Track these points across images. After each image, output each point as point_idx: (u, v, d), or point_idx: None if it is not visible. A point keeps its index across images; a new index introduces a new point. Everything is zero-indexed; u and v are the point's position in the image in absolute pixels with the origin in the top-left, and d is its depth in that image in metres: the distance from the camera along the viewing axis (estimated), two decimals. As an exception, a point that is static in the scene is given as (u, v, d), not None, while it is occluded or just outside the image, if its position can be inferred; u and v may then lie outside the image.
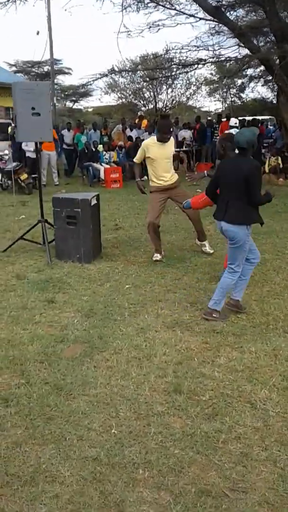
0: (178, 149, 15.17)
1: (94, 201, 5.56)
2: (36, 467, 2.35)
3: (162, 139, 5.31)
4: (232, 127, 10.51)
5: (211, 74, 26.73)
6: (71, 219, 5.41)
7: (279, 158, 12.26)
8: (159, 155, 5.39)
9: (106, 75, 16.20)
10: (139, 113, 17.65)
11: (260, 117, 19.52)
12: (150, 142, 5.46)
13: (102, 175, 12.43)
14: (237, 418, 2.68)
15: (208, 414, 2.72)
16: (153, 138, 5.49)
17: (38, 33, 20.37)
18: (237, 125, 11.07)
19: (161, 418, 2.71)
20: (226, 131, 9.32)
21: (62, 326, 3.86)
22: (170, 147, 5.40)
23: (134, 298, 4.44)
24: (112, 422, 2.68)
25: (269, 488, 2.20)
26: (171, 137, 5.43)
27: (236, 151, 3.90)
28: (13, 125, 6.24)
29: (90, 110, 33.14)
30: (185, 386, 2.98)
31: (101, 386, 3.01)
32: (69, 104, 32.17)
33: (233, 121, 11.46)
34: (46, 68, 26.61)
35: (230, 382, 3.03)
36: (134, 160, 5.76)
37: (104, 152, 13.10)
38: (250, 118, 16.65)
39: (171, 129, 5.34)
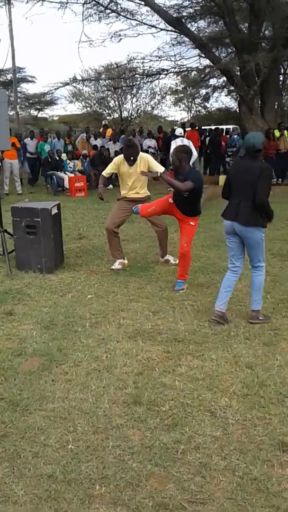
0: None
1: (55, 210, 5.48)
2: (-12, 488, 2.25)
3: (129, 163, 5.37)
4: (177, 136, 10.94)
5: (176, 84, 27.06)
6: (31, 228, 5.30)
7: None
8: (127, 174, 5.46)
9: (68, 84, 16.18)
10: (103, 122, 17.62)
11: (225, 126, 19.89)
12: (121, 160, 5.47)
13: (66, 184, 12.33)
14: (196, 428, 2.65)
15: (168, 425, 2.68)
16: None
17: (-1, 40, 20.14)
18: (182, 134, 11.50)
19: (120, 431, 2.65)
20: (173, 141, 9.58)
21: (20, 339, 3.75)
22: (141, 166, 5.37)
23: (96, 308, 4.38)
24: (69, 437, 2.60)
25: (227, 498, 2.18)
26: (147, 157, 5.46)
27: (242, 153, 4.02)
28: None
29: (55, 118, 32.90)
30: (145, 397, 2.93)
31: (58, 400, 2.92)
32: (34, 112, 31.86)
33: (178, 131, 12.00)
34: (9, 76, 26.29)
35: (191, 391, 3.00)
36: (103, 173, 5.73)
37: (68, 161, 13.01)
38: (213, 127, 16.95)
39: (136, 155, 5.33)
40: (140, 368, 3.29)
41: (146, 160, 5.39)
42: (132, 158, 5.33)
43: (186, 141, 8.55)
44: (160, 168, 5.29)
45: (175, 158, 4.74)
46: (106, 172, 5.67)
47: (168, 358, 3.43)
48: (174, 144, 9.25)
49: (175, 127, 17.64)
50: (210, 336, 3.75)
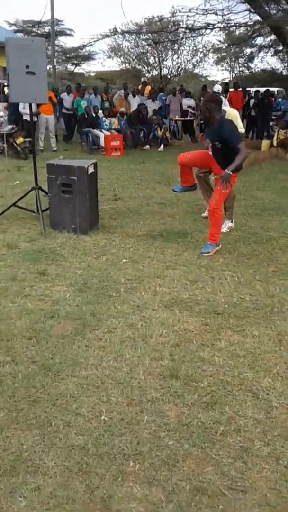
0: (182, 118, 14.71)
1: (91, 169, 5.25)
2: (18, 455, 2.16)
3: None
4: (215, 93, 10.41)
5: (219, 41, 25.74)
6: (67, 187, 5.11)
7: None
8: None
9: (108, 36, 15.60)
10: (142, 79, 17.00)
11: (270, 89, 18.89)
12: None
13: (102, 142, 12.01)
14: (237, 408, 2.48)
15: (206, 403, 2.52)
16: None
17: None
18: (220, 91, 10.99)
19: (155, 405, 2.51)
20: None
21: (53, 301, 3.63)
22: None
23: (131, 273, 4.20)
24: (102, 407, 2.48)
25: (270, 488, 2.02)
26: None
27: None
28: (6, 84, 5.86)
29: (92, 74, 32.09)
30: (182, 370, 2.77)
31: (92, 368, 2.80)
32: (70, 67, 31.11)
33: (217, 87, 11.58)
34: (47, 29, 25.56)
35: (231, 368, 2.82)
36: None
37: (105, 118, 12.63)
38: (263, 89, 16.06)
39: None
40: (177, 339, 3.12)
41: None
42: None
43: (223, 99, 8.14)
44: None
45: (204, 108, 4.59)
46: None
47: (207, 331, 3.25)
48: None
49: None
50: (251, 311, 3.53)
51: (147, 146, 12.99)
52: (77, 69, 31.21)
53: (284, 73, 18.05)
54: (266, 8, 13.79)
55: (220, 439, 2.28)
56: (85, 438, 2.28)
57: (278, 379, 2.72)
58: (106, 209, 6.35)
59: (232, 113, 5.60)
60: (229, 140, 4.43)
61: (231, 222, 5.53)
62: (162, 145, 12.95)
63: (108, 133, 12.24)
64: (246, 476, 2.08)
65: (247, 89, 15.69)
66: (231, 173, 4.35)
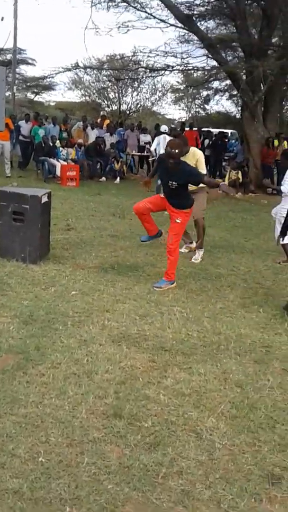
0: (139, 153, 15.04)
1: (45, 199, 5.21)
2: None
3: None
4: (161, 133, 11.36)
5: (178, 82, 26.80)
6: (18, 215, 5.02)
7: (239, 172, 12.33)
8: None
9: (69, 70, 15.80)
10: (101, 113, 17.29)
11: (223, 130, 19.75)
12: None
13: (58, 172, 12.00)
14: (180, 450, 2.43)
15: (149, 444, 2.46)
16: None
17: (2, 19, 19.54)
18: (167, 131, 11.55)
19: (97, 446, 2.42)
20: (156, 138, 10.13)
21: (-4, 333, 3.48)
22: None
23: (79, 306, 4.13)
24: (41, 448, 2.36)
25: (210, 535, 1.97)
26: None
27: None
28: None
29: (52, 104, 32.30)
30: (127, 409, 2.71)
31: (32, 405, 2.68)
32: (30, 95, 31.21)
33: (163, 127, 12.34)
34: (8, 56, 25.67)
35: (176, 407, 2.78)
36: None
37: (62, 149, 12.68)
38: (215, 130, 16.79)
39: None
40: (123, 376, 3.06)
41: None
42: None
43: (168, 138, 8.43)
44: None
45: (179, 151, 4.52)
46: None
47: (153, 368, 3.21)
48: (163, 140, 9.40)
49: (172, 125, 17.44)
50: (199, 348, 3.54)
51: (103, 178, 13.10)
52: (37, 98, 31.34)
53: (238, 116, 18.93)
54: (223, 54, 14.56)
55: (162, 482, 2.22)
56: (20, 481, 2.15)
57: (222, 418, 2.71)
58: (58, 239, 6.27)
59: (199, 153, 5.70)
60: (192, 179, 4.69)
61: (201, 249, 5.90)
62: (118, 178, 13.12)
63: (65, 163, 12.28)
64: (186, 522, 2.02)
65: (203, 129, 16.33)
66: (220, 180, 4.70)
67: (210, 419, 2.69)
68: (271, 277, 5.41)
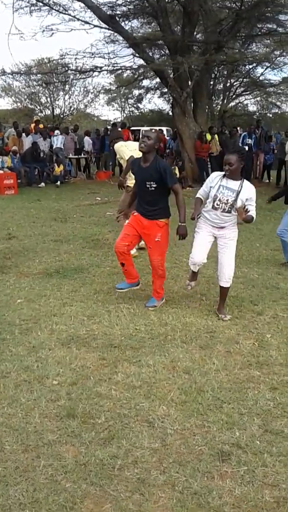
0: (77, 156, 14.99)
1: (-19, 209, 5.11)
2: None
3: None
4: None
5: (109, 83, 26.88)
6: None
7: (176, 168, 12.56)
8: None
9: (-4, 77, 15.44)
10: (35, 118, 17.01)
11: (157, 128, 20.00)
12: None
13: (-6, 181, 11.72)
14: (134, 440, 2.52)
15: (104, 439, 2.52)
16: None
17: None
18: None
19: (52, 448, 2.45)
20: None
21: None
22: None
23: (26, 313, 4.11)
24: (-4, 458, 2.37)
25: (167, 516, 2.06)
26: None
27: None
28: None
29: (-17, 113, 31.36)
30: (80, 409, 2.76)
31: (-16, 417, 2.67)
32: None
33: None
34: None
35: (128, 400, 2.86)
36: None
37: (-4, 157, 12.40)
38: (145, 128, 17.01)
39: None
40: (74, 377, 3.10)
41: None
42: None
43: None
44: None
45: (154, 144, 4.04)
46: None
47: (104, 365, 3.27)
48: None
49: (108, 127, 17.54)
50: (147, 341, 3.63)
51: (42, 184, 12.94)
52: None
53: (170, 113, 19.26)
54: (150, 53, 14.75)
55: (118, 474, 2.29)
56: (-23, 493, 2.15)
57: (172, 405, 2.81)
58: (0, 249, 6.17)
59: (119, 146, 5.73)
60: (166, 179, 4.01)
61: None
62: (59, 182, 13.01)
63: (1, 171, 12.01)
64: (143, 507, 2.10)
65: (134, 128, 16.52)
66: (184, 224, 4.12)
67: (161, 408, 2.79)
68: (211, 266, 5.59)
